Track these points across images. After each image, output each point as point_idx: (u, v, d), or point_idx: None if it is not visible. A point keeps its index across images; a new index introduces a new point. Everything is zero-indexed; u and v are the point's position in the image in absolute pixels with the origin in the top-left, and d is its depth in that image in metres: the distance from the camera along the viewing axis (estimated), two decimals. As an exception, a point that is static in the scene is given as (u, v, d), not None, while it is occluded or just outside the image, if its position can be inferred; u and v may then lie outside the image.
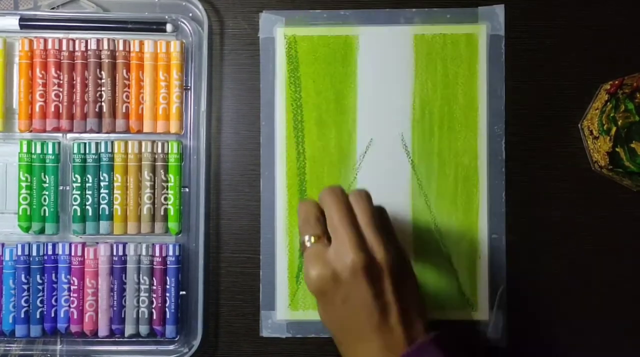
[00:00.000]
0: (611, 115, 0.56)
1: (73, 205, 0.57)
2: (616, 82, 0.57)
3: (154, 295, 0.58)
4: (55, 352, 0.58)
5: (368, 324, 0.45)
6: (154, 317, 0.58)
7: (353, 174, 0.59)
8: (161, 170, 0.58)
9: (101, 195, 0.58)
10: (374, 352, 0.45)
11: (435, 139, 0.59)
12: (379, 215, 0.48)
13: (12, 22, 0.58)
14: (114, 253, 0.58)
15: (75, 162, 0.57)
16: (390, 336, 0.45)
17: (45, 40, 0.58)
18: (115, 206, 0.58)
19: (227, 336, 0.59)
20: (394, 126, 0.59)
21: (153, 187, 0.58)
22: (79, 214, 0.57)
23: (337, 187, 0.48)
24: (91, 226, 0.58)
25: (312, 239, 0.47)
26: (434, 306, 0.58)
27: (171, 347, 0.58)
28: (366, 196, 0.48)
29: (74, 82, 0.58)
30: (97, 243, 0.58)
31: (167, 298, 0.58)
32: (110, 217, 0.58)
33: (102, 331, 0.57)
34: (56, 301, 0.58)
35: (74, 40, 0.58)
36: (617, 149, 0.56)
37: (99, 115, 0.58)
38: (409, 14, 0.59)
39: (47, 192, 0.57)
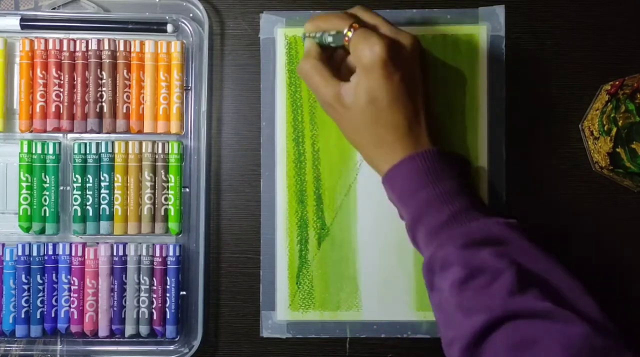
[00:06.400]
0: (612, 115, 0.56)
1: (73, 205, 0.57)
2: (617, 82, 0.57)
3: (154, 295, 0.58)
4: (55, 352, 0.58)
5: (412, 101, 0.50)
6: (154, 317, 0.58)
7: (353, 175, 0.59)
8: (162, 171, 0.58)
9: (102, 195, 0.58)
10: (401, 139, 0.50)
11: (435, 140, 0.59)
12: None
13: (13, 22, 0.58)
14: (115, 253, 0.58)
15: (75, 163, 0.57)
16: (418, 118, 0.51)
17: (46, 41, 0.58)
18: (115, 206, 0.58)
19: (228, 336, 0.59)
20: (394, 127, 0.59)
21: (153, 187, 0.58)
22: (79, 214, 0.57)
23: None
24: (92, 226, 0.58)
25: (354, 26, 0.50)
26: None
27: (171, 347, 0.58)
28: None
29: (75, 82, 0.58)
30: (98, 243, 0.58)
31: (167, 298, 0.58)
32: (111, 217, 0.58)
33: (103, 331, 0.58)
34: (56, 301, 0.58)
35: (74, 41, 0.58)
36: (617, 150, 0.56)
37: (100, 115, 0.58)
38: (409, 14, 0.59)
39: (47, 193, 0.57)
